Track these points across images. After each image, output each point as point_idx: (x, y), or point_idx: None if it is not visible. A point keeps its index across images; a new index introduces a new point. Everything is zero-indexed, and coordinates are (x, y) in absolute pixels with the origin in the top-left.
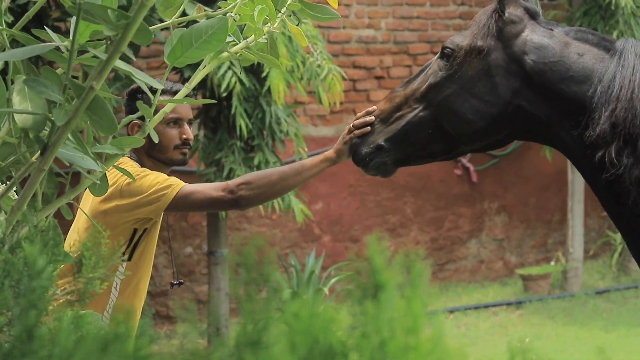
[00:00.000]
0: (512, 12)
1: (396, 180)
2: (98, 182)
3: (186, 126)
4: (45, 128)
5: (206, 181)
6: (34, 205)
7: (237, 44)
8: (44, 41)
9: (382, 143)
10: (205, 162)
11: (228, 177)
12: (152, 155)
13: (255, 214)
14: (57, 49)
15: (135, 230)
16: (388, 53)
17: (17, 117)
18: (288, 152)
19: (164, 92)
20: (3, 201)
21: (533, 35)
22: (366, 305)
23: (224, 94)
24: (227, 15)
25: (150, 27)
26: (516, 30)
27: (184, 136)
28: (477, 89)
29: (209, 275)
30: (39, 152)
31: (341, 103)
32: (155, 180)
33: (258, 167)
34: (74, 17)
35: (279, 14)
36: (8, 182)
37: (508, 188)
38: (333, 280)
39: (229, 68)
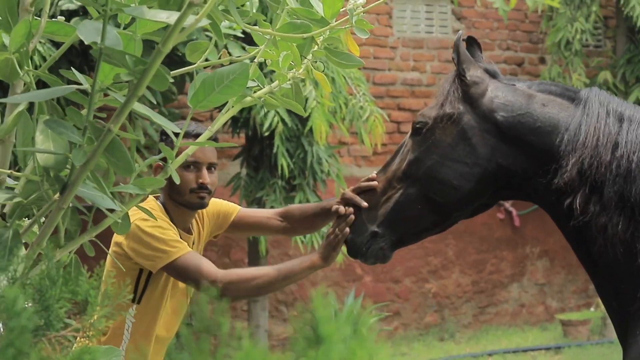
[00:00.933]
0: (472, 74)
1: None
2: (119, 220)
3: (204, 171)
4: (68, 167)
5: None
6: (56, 241)
7: (262, 88)
8: (71, 82)
9: (376, 229)
10: (247, 200)
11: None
12: (172, 197)
13: (297, 252)
14: (83, 90)
15: (141, 272)
16: (432, 96)
17: (39, 156)
18: (329, 192)
19: (187, 135)
20: (26, 237)
21: (497, 92)
22: (309, 355)
23: (267, 133)
24: (253, 60)
25: (172, 72)
26: (480, 90)
27: (200, 180)
28: (456, 154)
29: (249, 312)
30: None
31: (385, 144)
32: (161, 236)
33: None
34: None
35: (305, 60)
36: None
37: (550, 233)
38: (371, 320)
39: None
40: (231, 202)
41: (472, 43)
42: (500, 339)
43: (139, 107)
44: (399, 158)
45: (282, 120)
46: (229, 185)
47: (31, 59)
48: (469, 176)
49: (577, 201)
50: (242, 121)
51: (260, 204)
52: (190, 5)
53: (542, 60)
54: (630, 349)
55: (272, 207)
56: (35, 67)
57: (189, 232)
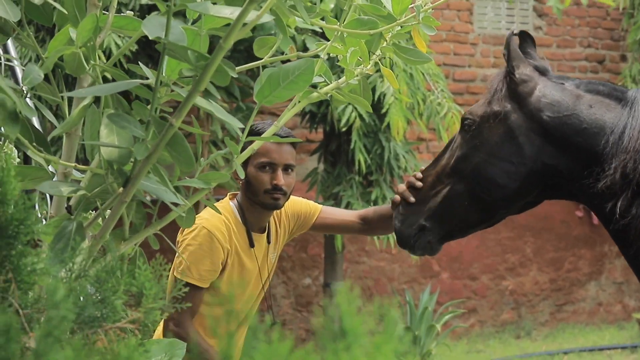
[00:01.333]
0: (522, 71)
1: (517, 219)
2: (184, 214)
3: (279, 172)
4: (131, 161)
5: None
6: (121, 234)
7: (328, 84)
8: (138, 76)
9: (424, 223)
10: (324, 196)
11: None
12: (247, 196)
13: (374, 247)
14: (150, 85)
15: None
16: None
17: (103, 149)
18: None
19: (251, 132)
20: (92, 230)
21: (545, 91)
22: (333, 348)
23: (344, 129)
24: (320, 56)
25: (238, 68)
26: (529, 88)
27: (275, 182)
28: (503, 153)
29: (325, 307)
30: None
31: None
32: (189, 258)
33: (375, 202)
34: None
35: (373, 56)
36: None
37: None
38: (447, 317)
39: (349, 103)
40: (309, 198)
41: (525, 38)
42: (576, 337)
43: (201, 101)
44: (449, 154)
45: (360, 115)
46: (306, 180)
47: (105, 52)
48: (514, 175)
49: (619, 205)
50: (320, 116)
51: (337, 199)
52: (252, 2)
53: (624, 58)
54: None
55: (348, 202)
56: (115, 63)
57: (263, 231)
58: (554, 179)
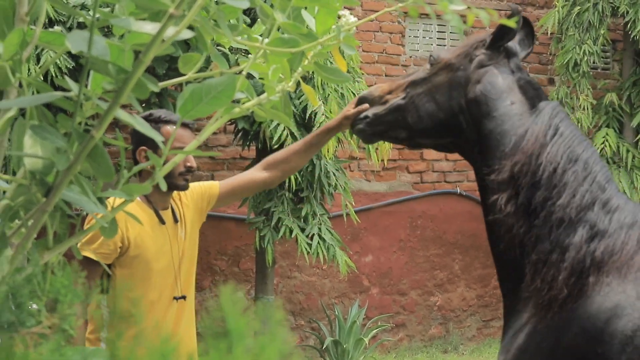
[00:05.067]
0: (491, 50)
1: (446, 237)
2: (106, 225)
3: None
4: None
5: (255, 229)
6: (45, 243)
7: (251, 100)
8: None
9: (368, 115)
10: (255, 211)
11: (276, 227)
12: None
13: (305, 263)
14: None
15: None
16: None
17: (27, 160)
18: (337, 205)
19: (171, 122)
20: (16, 239)
21: (493, 71)
22: (216, 347)
23: (276, 146)
24: (241, 73)
25: (161, 83)
26: (485, 62)
27: (188, 164)
28: (437, 95)
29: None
30: None
31: (394, 160)
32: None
33: (305, 219)
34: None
35: (294, 74)
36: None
37: None
38: (375, 330)
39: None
40: (241, 213)
41: (526, 24)
42: None
43: (122, 114)
44: (411, 75)
45: (291, 133)
46: None
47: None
48: (434, 116)
49: (499, 200)
50: (252, 134)
51: (268, 214)
52: (171, 17)
53: (551, 81)
54: (512, 332)
55: (279, 218)
56: (46, 78)
57: (166, 209)
58: (462, 141)
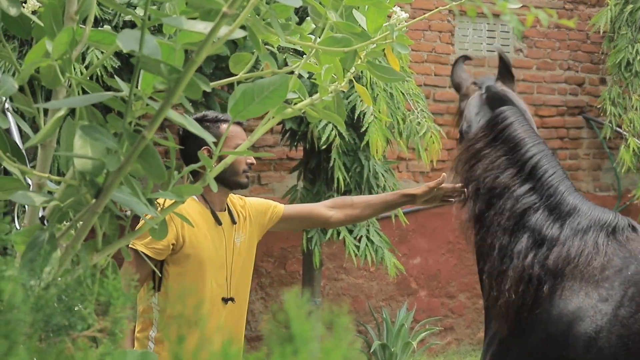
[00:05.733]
0: (470, 86)
1: None
2: (156, 226)
3: None
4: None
5: (302, 231)
6: (94, 245)
7: (303, 100)
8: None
9: None
10: None
11: (324, 228)
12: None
13: (352, 265)
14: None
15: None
16: None
17: (77, 160)
18: None
19: (227, 121)
20: (65, 240)
21: (470, 103)
22: (281, 352)
23: (324, 147)
24: (293, 72)
25: (212, 83)
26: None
27: (249, 161)
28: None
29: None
30: None
31: (443, 161)
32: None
33: None
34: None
35: (347, 73)
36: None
37: None
38: (423, 334)
39: (330, 122)
40: None
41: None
42: None
43: (174, 115)
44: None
45: (340, 134)
46: (285, 197)
47: (88, 68)
48: None
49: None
50: (300, 134)
51: None
52: (224, 16)
53: (603, 81)
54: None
55: None
56: (92, 78)
57: (224, 210)
58: None
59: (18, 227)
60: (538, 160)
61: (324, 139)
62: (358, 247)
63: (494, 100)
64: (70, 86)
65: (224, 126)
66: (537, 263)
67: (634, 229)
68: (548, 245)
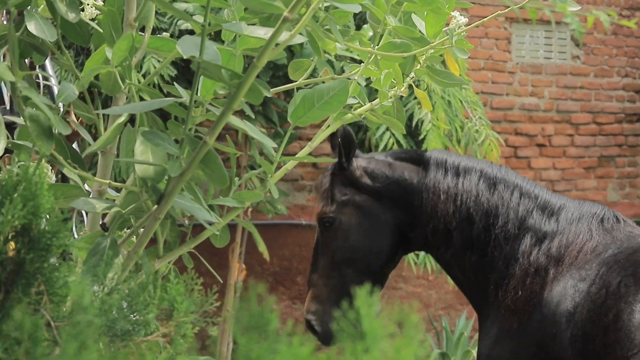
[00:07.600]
0: (349, 161)
1: None
2: (217, 233)
3: None
4: (166, 179)
5: None
6: (155, 252)
7: (362, 105)
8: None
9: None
10: None
11: None
12: None
13: (411, 273)
14: (185, 105)
15: None
16: (550, 121)
17: (138, 167)
18: None
19: None
20: (126, 247)
21: (367, 168)
22: (352, 350)
23: None
24: (352, 78)
25: (273, 89)
26: (358, 172)
27: None
28: (367, 226)
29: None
30: None
31: None
32: None
33: None
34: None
35: (406, 78)
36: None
37: None
38: None
39: (387, 129)
40: None
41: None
42: None
43: (235, 120)
44: (321, 255)
45: (397, 141)
46: None
47: (145, 77)
48: (383, 238)
49: (439, 248)
50: (358, 142)
51: None
52: (285, 21)
53: None
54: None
55: None
56: (152, 86)
57: None
58: (407, 232)
59: (76, 236)
60: (508, 174)
61: (381, 146)
62: (417, 256)
63: (415, 156)
64: (129, 93)
65: None
66: (543, 254)
67: (617, 219)
68: (549, 237)
